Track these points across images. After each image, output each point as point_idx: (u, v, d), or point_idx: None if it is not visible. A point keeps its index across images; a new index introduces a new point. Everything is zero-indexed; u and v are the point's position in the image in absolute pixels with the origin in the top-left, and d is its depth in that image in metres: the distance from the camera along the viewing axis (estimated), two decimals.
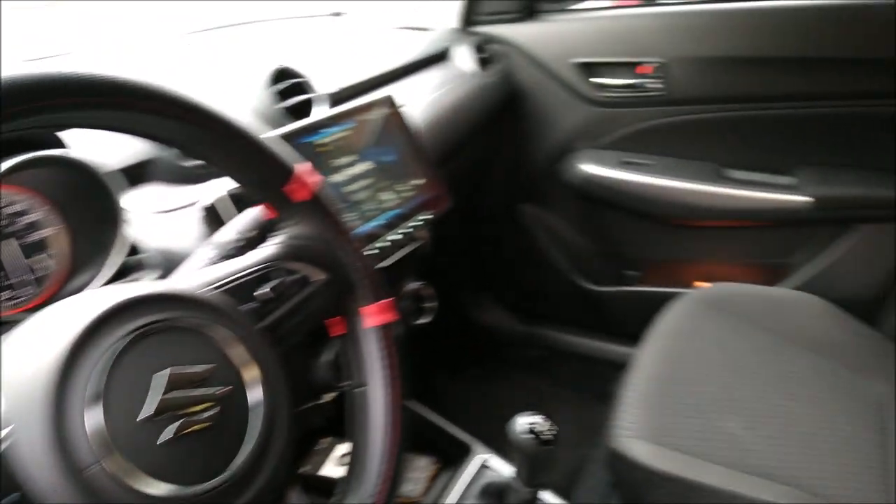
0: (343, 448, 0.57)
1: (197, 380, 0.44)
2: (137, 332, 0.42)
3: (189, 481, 0.41)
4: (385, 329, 0.60)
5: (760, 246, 1.51)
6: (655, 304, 1.37)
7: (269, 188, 0.56)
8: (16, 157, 0.61)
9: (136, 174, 0.77)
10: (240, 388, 0.46)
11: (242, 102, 0.90)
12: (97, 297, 0.44)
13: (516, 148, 1.59)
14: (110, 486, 0.38)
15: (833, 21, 1.24)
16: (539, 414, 0.86)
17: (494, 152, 1.60)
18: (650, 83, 1.38)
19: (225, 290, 0.51)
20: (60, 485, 0.37)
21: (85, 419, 0.38)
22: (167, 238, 0.72)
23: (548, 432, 0.84)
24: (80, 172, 0.65)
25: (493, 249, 1.78)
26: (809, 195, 1.34)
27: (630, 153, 1.48)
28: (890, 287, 1.40)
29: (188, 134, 0.50)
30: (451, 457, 1.04)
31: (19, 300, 0.65)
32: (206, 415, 0.43)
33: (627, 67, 1.40)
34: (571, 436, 1.60)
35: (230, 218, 0.74)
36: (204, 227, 0.75)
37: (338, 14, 1.53)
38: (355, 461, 0.57)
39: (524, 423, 0.83)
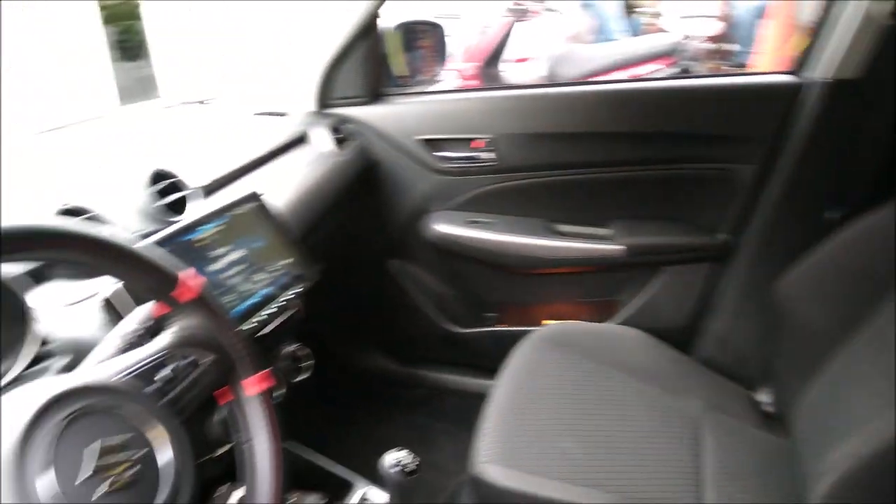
0: (239, 493, 0.70)
1: (119, 448, 0.57)
2: (69, 417, 0.56)
3: None
4: (263, 395, 0.75)
5: (591, 287, 1.78)
6: (511, 342, 1.57)
7: (159, 294, 0.70)
8: None
9: (40, 273, 0.87)
10: (151, 451, 0.60)
11: (127, 204, 1.03)
12: (34, 393, 0.56)
13: (378, 212, 1.78)
14: None
15: (627, 102, 1.55)
16: (404, 449, 1.02)
17: (360, 216, 1.78)
18: (484, 154, 1.63)
19: (132, 376, 0.65)
20: None
21: (37, 482, 0.51)
22: (73, 328, 0.83)
23: (411, 464, 1.01)
24: None
25: (368, 301, 1.95)
26: (622, 244, 1.62)
27: (474, 213, 1.72)
28: (695, 319, 1.70)
29: (90, 259, 0.64)
30: (337, 492, 1.18)
31: None
32: (128, 473, 0.57)
33: (463, 142, 1.64)
34: (450, 465, 1.77)
35: (126, 307, 0.86)
36: (103, 316, 0.86)
37: (202, 102, 1.67)
38: (248, 499, 0.71)
39: (391, 458, 1.00)
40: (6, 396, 0.57)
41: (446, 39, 1.92)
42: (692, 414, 1.32)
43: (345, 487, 1.20)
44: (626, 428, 1.26)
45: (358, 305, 1.97)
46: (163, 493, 0.59)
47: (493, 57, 4.71)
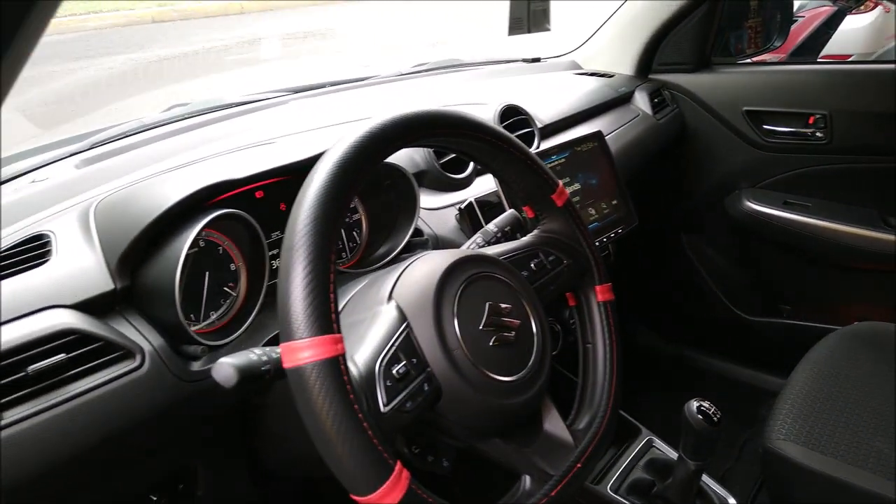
0: None
1: (504, 311, 0.67)
2: (472, 276, 0.66)
3: (502, 373, 0.64)
4: (608, 304, 0.81)
5: None
6: (805, 338, 1.46)
7: (539, 195, 0.79)
8: None
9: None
10: (528, 321, 0.69)
11: None
12: (448, 255, 0.68)
13: (680, 182, 1.76)
14: (465, 363, 0.62)
15: None
16: (707, 400, 1.02)
17: (660, 184, 1.77)
18: (813, 131, 1.52)
19: (510, 260, 0.74)
20: (437, 356, 0.61)
21: (449, 326, 0.62)
22: (436, 227, 0.97)
23: (715, 415, 1.00)
24: (391, 175, 0.91)
25: (651, 272, 1.94)
26: None
27: (791, 194, 1.61)
28: None
29: (494, 156, 0.74)
30: (621, 435, 1.22)
31: (341, 261, 0.92)
32: (510, 334, 0.66)
33: (793, 117, 1.54)
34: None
35: (476, 218, 0.98)
36: (459, 222, 1.00)
37: (537, 60, 1.79)
38: (584, 394, 0.78)
39: (696, 405, 1.00)
40: (419, 260, 0.69)
41: (791, 18, 1.79)
42: None
43: (630, 432, 1.22)
44: None
45: (641, 275, 1.97)
46: (533, 358, 0.68)
47: (802, 50, 4.27)
